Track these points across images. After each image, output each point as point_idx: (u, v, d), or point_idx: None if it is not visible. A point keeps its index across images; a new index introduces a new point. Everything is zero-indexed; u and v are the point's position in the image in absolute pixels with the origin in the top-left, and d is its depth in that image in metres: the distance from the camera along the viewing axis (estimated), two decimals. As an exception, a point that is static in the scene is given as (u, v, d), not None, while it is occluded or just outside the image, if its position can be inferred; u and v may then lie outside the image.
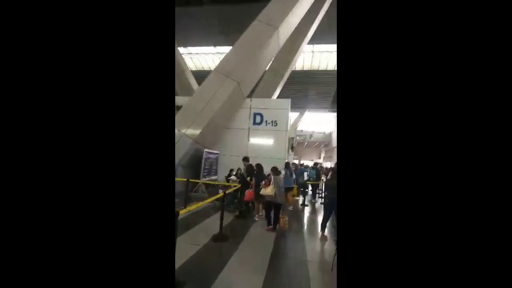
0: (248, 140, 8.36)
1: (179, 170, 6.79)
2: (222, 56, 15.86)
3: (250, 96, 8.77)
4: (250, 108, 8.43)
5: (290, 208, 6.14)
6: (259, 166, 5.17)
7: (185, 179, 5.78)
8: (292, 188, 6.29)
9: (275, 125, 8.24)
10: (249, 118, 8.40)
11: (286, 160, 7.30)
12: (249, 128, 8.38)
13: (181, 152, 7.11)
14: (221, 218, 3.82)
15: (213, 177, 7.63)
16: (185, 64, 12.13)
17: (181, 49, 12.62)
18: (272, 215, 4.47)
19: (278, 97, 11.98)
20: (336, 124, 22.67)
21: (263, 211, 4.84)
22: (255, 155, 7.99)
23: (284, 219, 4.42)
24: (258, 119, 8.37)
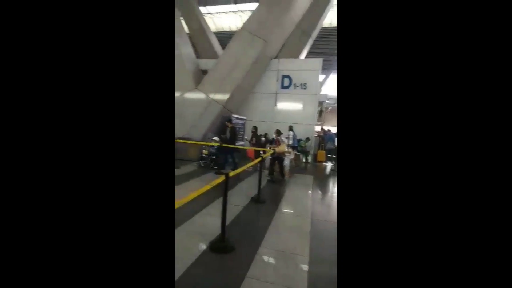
0: (275, 105, 8.09)
1: (208, 136, 6.86)
2: (243, 14, 14.87)
3: (276, 57, 8.24)
4: (278, 70, 7.97)
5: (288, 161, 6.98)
6: (255, 128, 7.04)
7: (218, 144, 5.82)
8: (295, 147, 7.22)
9: (304, 88, 7.81)
10: (277, 81, 8.00)
11: (290, 125, 7.22)
12: (276, 93, 8.04)
13: (210, 118, 7.11)
14: (259, 181, 3.86)
15: (241, 143, 7.67)
16: (206, 24, 11.45)
17: (201, 9, 11.87)
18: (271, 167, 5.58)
19: (306, 58, 11.18)
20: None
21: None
22: (282, 120, 7.80)
23: (287, 170, 5.65)
24: (286, 82, 7.95)
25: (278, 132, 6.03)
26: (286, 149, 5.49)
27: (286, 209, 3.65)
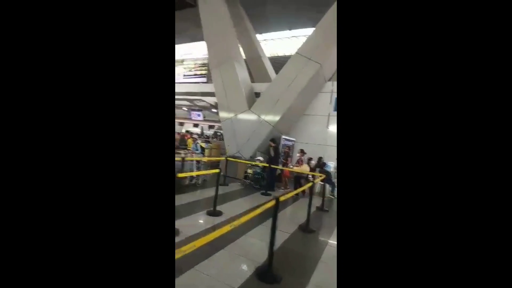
0: (327, 127, 7.80)
1: (257, 155, 6.95)
2: (297, 40, 15.33)
3: (330, 80, 8.09)
4: (331, 92, 7.78)
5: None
6: (289, 148, 7.17)
7: (267, 165, 5.83)
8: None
9: (360, 112, 7.36)
10: (330, 103, 7.78)
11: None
12: (329, 115, 7.78)
13: (260, 138, 7.25)
14: (309, 207, 3.64)
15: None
16: (262, 51, 12.14)
17: (258, 36, 12.70)
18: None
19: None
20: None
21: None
22: (334, 143, 7.42)
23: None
24: (340, 104, 7.66)
25: (302, 152, 6.20)
26: (308, 170, 5.64)
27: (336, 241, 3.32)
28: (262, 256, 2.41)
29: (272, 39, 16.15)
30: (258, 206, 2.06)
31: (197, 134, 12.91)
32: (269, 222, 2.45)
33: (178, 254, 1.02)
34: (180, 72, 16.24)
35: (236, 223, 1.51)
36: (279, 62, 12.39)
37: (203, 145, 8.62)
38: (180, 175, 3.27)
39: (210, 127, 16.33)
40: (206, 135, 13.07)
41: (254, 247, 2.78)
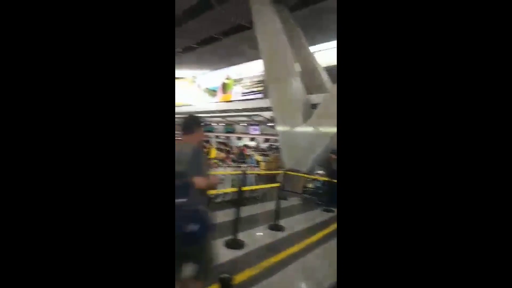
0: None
1: (315, 168, 6.75)
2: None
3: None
4: (398, 100, 7.08)
5: None
6: None
7: (328, 179, 5.61)
8: None
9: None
10: (397, 112, 7.07)
11: None
12: (396, 124, 7.06)
13: (317, 151, 7.06)
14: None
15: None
16: (317, 62, 12.01)
17: (313, 47, 12.65)
18: None
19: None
20: None
21: None
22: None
23: None
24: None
25: None
26: None
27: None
28: (328, 277, 2.29)
29: (327, 49, 15.85)
30: (321, 223, 1.99)
31: (253, 147, 13.38)
32: (334, 241, 2.32)
33: (257, 269, 1.07)
34: (238, 90, 17.36)
35: (308, 241, 1.49)
36: (335, 72, 12.01)
37: (260, 158, 8.87)
38: (243, 188, 3.44)
39: (266, 140, 16.74)
40: (262, 148, 13.42)
41: (319, 266, 2.66)
